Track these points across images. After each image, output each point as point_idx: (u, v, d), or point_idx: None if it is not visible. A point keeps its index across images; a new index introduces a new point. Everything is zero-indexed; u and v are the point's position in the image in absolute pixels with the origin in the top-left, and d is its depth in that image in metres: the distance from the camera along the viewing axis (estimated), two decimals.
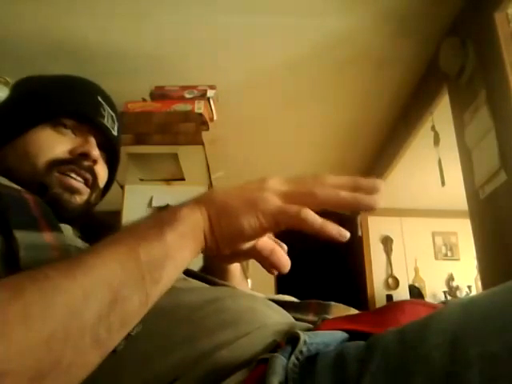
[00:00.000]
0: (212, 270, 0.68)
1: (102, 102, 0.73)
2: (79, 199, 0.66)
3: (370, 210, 0.45)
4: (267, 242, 0.52)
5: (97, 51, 2.32)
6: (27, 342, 0.31)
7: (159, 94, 2.25)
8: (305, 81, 2.60)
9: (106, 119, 0.72)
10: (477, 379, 0.28)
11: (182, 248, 0.41)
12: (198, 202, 0.45)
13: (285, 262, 0.53)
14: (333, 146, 3.40)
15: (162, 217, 0.42)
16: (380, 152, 3.40)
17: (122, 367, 0.43)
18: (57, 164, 0.65)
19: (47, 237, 0.50)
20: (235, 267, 0.71)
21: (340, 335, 0.44)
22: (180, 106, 2.17)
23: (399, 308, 0.47)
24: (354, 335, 0.44)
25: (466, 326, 0.31)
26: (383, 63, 2.44)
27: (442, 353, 0.30)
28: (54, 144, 0.66)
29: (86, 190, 0.68)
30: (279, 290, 3.81)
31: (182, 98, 2.20)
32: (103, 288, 0.35)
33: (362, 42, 2.28)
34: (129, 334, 0.43)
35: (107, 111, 0.73)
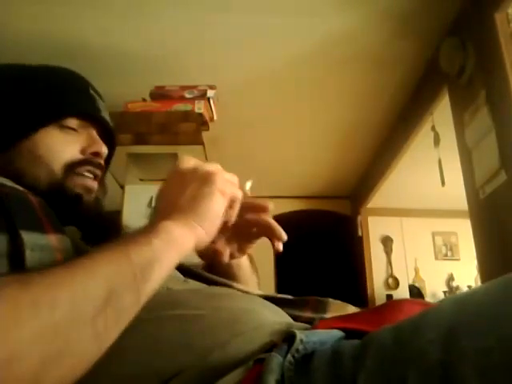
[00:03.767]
0: (220, 264, 0.67)
1: (94, 94, 0.73)
2: (91, 196, 0.68)
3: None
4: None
5: (97, 51, 2.32)
6: (37, 329, 0.34)
7: (159, 94, 2.25)
8: (305, 81, 2.60)
9: (103, 112, 0.73)
10: (471, 372, 0.29)
11: (169, 251, 0.45)
12: (169, 211, 0.49)
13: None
14: (333, 146, 3.40)
15: (146, 229, 0.47)
16: (380, 152, 3.40)
17: (118, 365, 0.44)
18: (73, 166, 0.66)
19: (52, 238, 0.51)
20: (243, 259, 0.70)
21: (336, 334, 0.44)
22: (180, 106, 2.17)
23: (396, 307, 0.47)
24: (350, 334, 0.44)
25: (459, 320, 0.32)
26: (383, 63, 2.44)
27: (436, 347, 0.31)
28: (65, 146, 0.66)
29: (96, 186, 0.69)
30: (279, 290, 3.81)
31: (181, 98, 2.20)
32: (100, 285, 0.39)
33: (361, 42, 2.28)
34: None
35: (100, 103, 0.73)
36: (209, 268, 0.69)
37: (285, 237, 0.60)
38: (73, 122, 0.68)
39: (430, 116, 2.48)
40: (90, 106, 0.71)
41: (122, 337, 0.40)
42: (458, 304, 0.34)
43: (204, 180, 0.50)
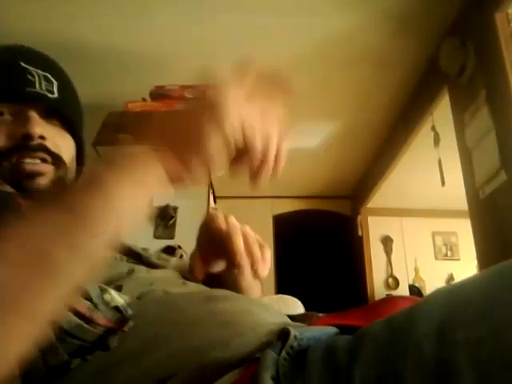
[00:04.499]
0: (220, 275, 0.66)
1: (27, 66, 0.66)
2: (44, 180, 0.62)
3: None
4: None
5: (97, 51, 2.32)
6: None
7: (159, 94, 2.25)
8: (305, 81, 2.60)
9: (37, 85, 0.65)
10: (465, 364, 0.28)
11: (130, 197, 0.39)
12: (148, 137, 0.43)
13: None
14: (333, 146, 3.40)
15: (108, 169, 0.40)
16: (380, 152, 3.39)
17: (114, 364, 0.44)
18: (4, 155, 0.61)
19: None
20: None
21: (331, 330, 0.44)
22: (180, 106, 2.17)
23: (392, 303, 0.47)
24: (345, 330, 0.44)
25: (452, 311, 0.32)
26: (383, 63, 2.44)
27: (430, 339, 0.31)
28: None
29: (47, 169, 0.63)
30: (279, 290, 3.81)
31: (182, 98, 2.20)
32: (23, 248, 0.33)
33: (362, 42, 2.28)
34: (122, 331, 0.44)
35: (36, 74, 0.66)
36: (210, 275, 0.68)
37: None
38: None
39: (430, 116, 2.48)
40: (15, 84, 0.64)
41: (121, 340, 0.40)
42: (450, 295, 0.34)
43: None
